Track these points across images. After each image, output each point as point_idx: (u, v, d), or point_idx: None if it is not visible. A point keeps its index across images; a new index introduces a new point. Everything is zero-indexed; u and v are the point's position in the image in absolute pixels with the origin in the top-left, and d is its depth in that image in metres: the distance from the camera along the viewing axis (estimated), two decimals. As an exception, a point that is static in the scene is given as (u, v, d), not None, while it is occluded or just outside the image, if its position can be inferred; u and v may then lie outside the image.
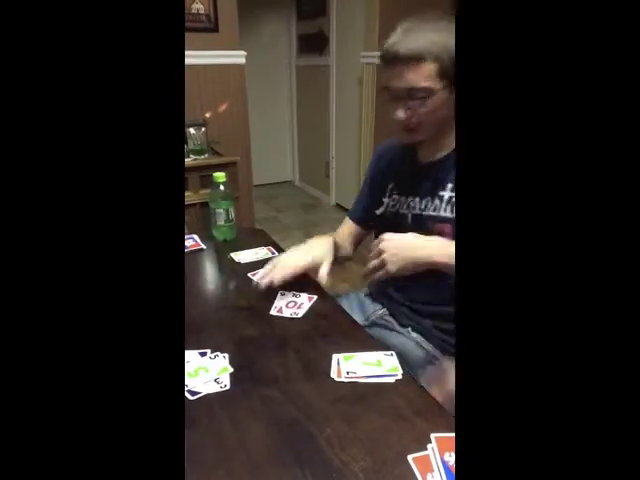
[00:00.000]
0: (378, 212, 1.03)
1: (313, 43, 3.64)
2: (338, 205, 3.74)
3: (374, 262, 0.84)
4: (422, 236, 0.84)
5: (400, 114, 0.85)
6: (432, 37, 0.79)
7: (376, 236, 1.03)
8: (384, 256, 0.83)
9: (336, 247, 1.00)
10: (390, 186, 1.01)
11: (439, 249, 0.81)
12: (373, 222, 1.08)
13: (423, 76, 0.80)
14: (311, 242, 0.99)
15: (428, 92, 0.81)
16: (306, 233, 3.19)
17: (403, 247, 0.83)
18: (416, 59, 0.79)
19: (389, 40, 0.81)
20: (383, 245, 0.83)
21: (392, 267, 0.82)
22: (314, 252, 0.95)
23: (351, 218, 1.15)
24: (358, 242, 1.16)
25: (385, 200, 1.02)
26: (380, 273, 0.84)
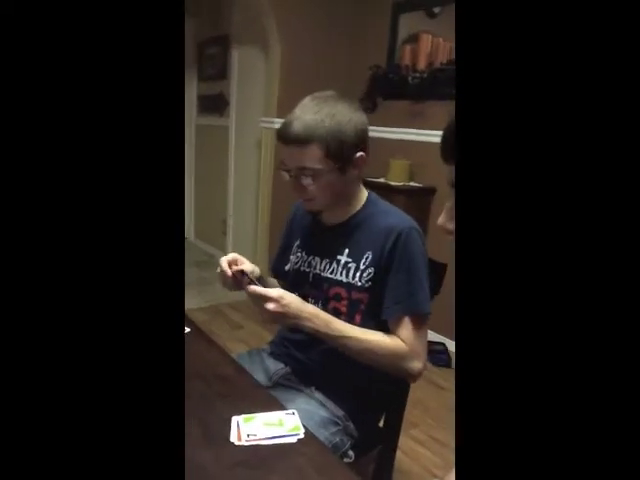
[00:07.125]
0: (286, 268, 1.06)
1: (214, 104, 3.71)
2: (234, 263, 3.70)
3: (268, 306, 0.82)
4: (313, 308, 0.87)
5: (293, 189, 0.91)
6: (324, 120, 0.84)
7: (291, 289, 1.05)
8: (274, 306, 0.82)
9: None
10: (297, 243, 1.06)
11: (324, 327, 0.85)
12: (284, 276, 1.10)
13: (310, 157, 0.86)
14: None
15: (315, 172, 0.87)
16: (200, 291, 3.08)
17: (291, 313, 0.83)
18: (304, 141, 0.85)
19: (286, 118, 0.87)
20: (280, 298, 0.82)
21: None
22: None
23: (271, 269, 1.18)
24: None
25: (291, 257, 1.05)
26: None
